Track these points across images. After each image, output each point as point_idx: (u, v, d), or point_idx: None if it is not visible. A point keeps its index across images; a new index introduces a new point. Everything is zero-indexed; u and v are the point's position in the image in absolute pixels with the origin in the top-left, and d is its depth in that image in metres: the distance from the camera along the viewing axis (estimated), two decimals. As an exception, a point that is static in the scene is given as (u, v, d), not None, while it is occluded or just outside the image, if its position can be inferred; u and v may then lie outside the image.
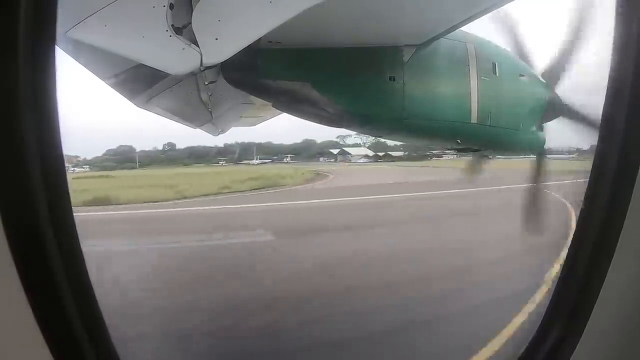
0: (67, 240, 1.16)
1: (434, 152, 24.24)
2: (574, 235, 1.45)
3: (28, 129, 1.06)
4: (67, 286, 1.15)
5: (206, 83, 4.29)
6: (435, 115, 4.06)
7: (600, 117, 1.41)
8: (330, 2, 2.52)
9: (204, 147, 26.68)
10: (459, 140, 4.42)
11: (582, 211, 1.42)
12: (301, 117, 4.36)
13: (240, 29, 2.54)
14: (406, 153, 26.05)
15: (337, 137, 25.84)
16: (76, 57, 3.15)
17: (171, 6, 2.45)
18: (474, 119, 4.12)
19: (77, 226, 1.19)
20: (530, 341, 1.54)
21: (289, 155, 27.41)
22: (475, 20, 3.60)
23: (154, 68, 2.71)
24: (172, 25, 2.47)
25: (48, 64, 1.09)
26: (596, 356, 1.36)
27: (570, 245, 1.46)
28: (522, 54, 4.96)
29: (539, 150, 4.99)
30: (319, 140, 27.20)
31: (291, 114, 4.51)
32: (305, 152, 27.25)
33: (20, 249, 1.03)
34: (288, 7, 2.48)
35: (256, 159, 26.87)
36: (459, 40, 4.13)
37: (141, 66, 3.05)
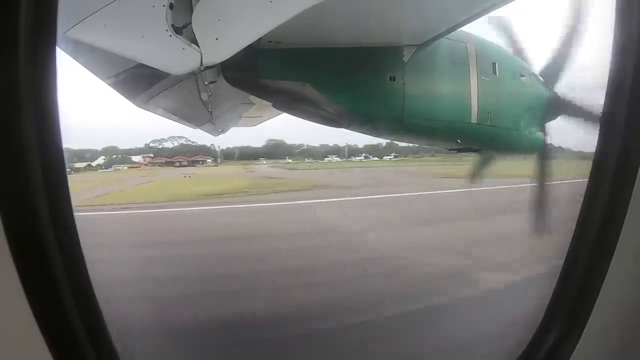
0: (67, 240, 1.16)
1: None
2: (574, 235, 1.45)
3: (28, 129, 1.06)
4: (67, 286, 1.14)
5: (206, 83, 4.28)
6: (435, 115, 4.06)
7: (600, 115, 1.41)
8: (330, 2, 2.52)
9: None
10: (458, 140, 4.42)
11: (582, 211, 1.42)
12: (301, 117, 4.36)
13: (241, 28, 2.54)
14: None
15: (152, 142, 19.46)
16: (76, 57, 3.15)
17: (171, 6, 2.46)
18: (474, 119, 4.11)
19: (77, 225, 1.19)
20: (530, 341, 1.54)
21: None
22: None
23: (154, 68, 2.71)
24: (172, 25, 2.47)
25: (48, 64, 1.09)
26: (596, 356, 1.36)
27: (570, 245, 1.45)
28: (519, 52, 4.91)
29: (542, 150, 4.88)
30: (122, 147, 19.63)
31: (291, 114, 4.51)
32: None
33: (20, 249, 1.03)
34: (288, 7, 2.48)
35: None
36: (459, 40, 4.13)
37: (141, 66, 3.04)
